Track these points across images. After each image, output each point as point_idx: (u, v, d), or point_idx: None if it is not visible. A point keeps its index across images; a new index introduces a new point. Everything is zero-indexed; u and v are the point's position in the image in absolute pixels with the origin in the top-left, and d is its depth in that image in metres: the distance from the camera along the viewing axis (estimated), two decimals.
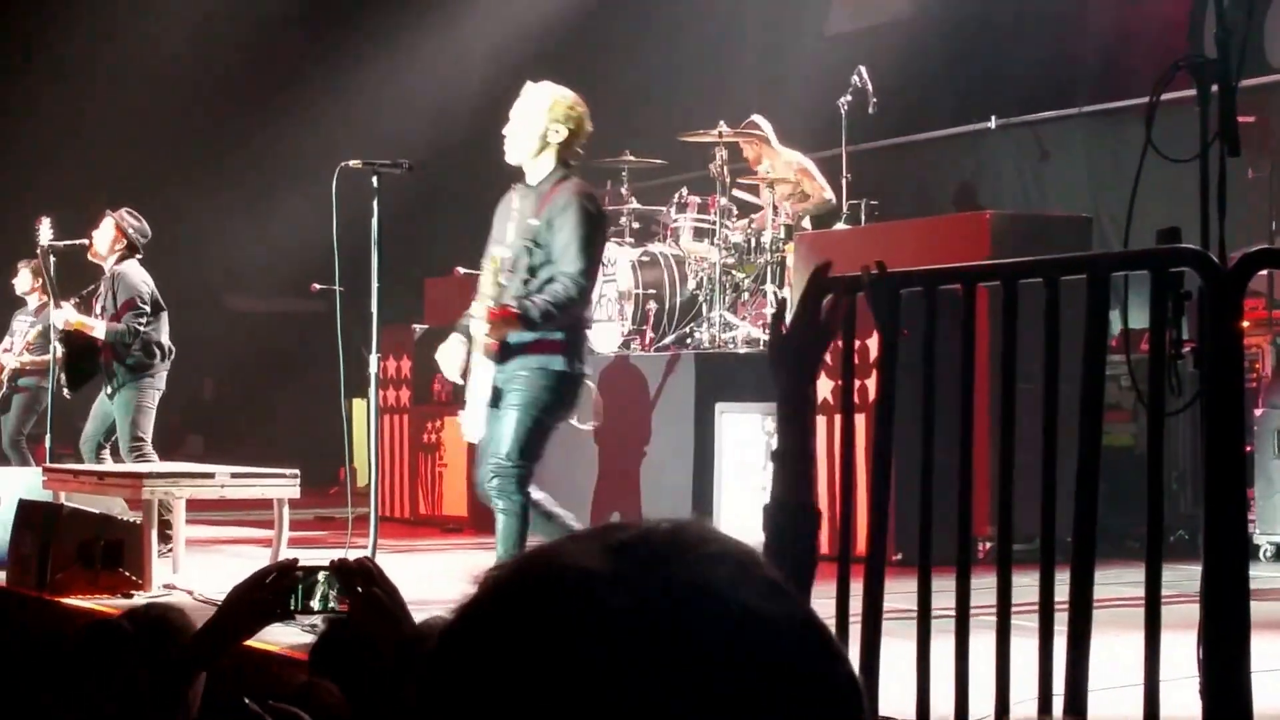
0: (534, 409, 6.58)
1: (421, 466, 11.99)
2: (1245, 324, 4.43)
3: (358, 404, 11.52)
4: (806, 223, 10.99)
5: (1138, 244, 4.28)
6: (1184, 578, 5.72)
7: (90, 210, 10.29)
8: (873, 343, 7.37)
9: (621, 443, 10.39)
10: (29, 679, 4.51)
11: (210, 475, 8.20)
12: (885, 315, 4.29)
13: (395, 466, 12.11)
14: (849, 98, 10.83)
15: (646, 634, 1.02)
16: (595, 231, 6.68)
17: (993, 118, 13.17)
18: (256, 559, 7.32)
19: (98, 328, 9.75)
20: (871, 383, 7.38)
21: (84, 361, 9.86)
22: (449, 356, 6.80)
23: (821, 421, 7.99)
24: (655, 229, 11.43)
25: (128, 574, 7.54)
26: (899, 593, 4.46)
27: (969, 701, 4.08)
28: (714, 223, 10.76)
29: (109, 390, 9.83)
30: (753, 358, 10.20)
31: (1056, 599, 3.93)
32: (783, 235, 10.66)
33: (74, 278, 10.47)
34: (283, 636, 5.50)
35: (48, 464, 9.66)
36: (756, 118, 11.18)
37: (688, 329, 10.79)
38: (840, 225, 10.58)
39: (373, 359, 7.30)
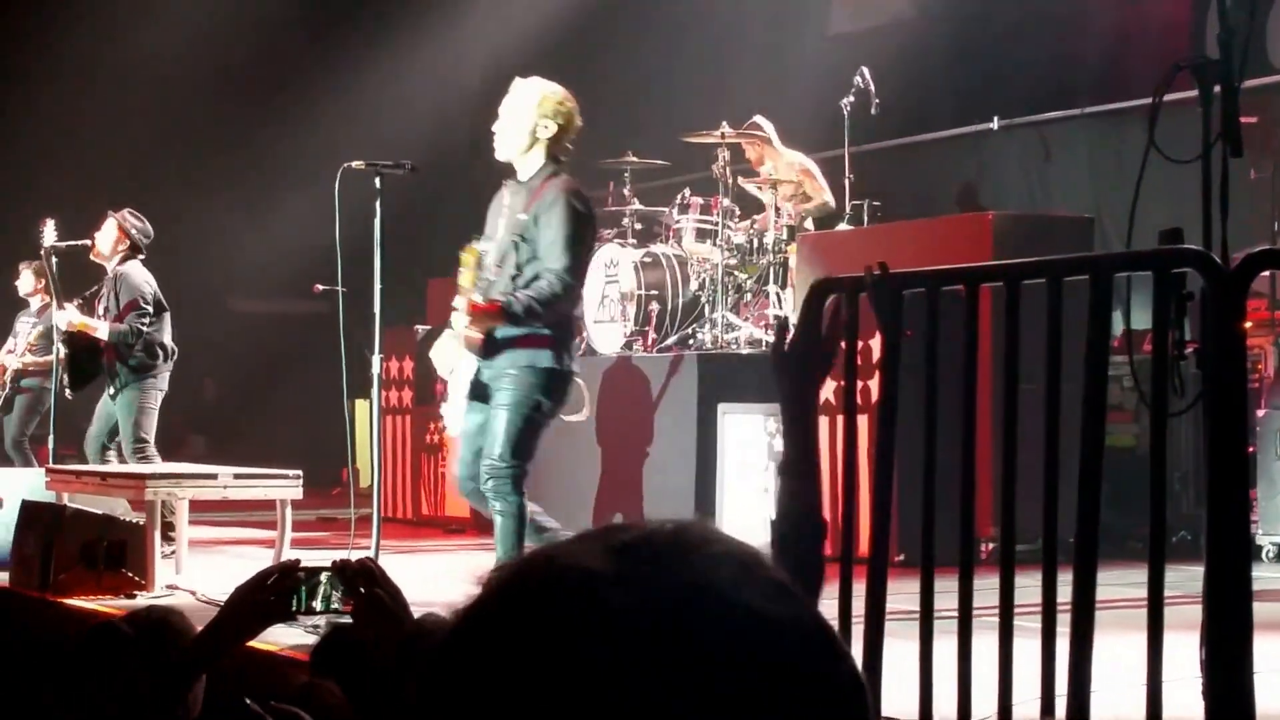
0: (524, 408, 6.60)
1: (424, 467, 12.00)
2: (1247, 325, 4.43)
3: (360, 405, 11.53)
4: (809, 224, 11.00)
5: (1140, 245, 4.28)
6: (1186, 578, 5.72)
7: (92, 211, 10.30)
8: (875, 343, 7.36)
9: (624, 443, 10.39)
10: (31, 679, 4.52)
11: (213, 476, 8.21)
12: (888, 316, 4.29)
13: (398, 467, 12.12)
14: (851, 98, 10.83)
15: (650, 634, 1.02)
16: (582, 229, 6.67)
17: (995, 118, 13.17)
18: (259, 560, 7.32)
19: (101, 329, 9.76)
20: (874, 384, 7.39)
21: (87, 362, 9.87)
22: (443, 354, 6.83)
23: (824, 422, 8.00)
24: (657, 230, 11.43)
25: (131, 575, 7.55)
26: (902, 593, 4.46)
27: (971, 702, 4.08)
28: (716, 224, 10.76)
29: (111, 391, 9.84)
30: (755, 358, 10.19)
31: (1059, 600, 3.93)
32: (785, 236, 10.66)
33: (77, 279, 10.48)
34: (285, 637, 5.50)
35: (51, 465, 9.67)
36: (759, 119, 11.18)
37: (690, 330, 10.79)
38: (843, 226, 10.58)
39: (375, 360, 7.30)
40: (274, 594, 3.16)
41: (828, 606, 3.94)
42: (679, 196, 11.15)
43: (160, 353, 9.85)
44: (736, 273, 10.76)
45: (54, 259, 10.28)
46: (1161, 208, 4.33)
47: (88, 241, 10.08)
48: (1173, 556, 4.11)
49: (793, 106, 12.26)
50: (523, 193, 6.75)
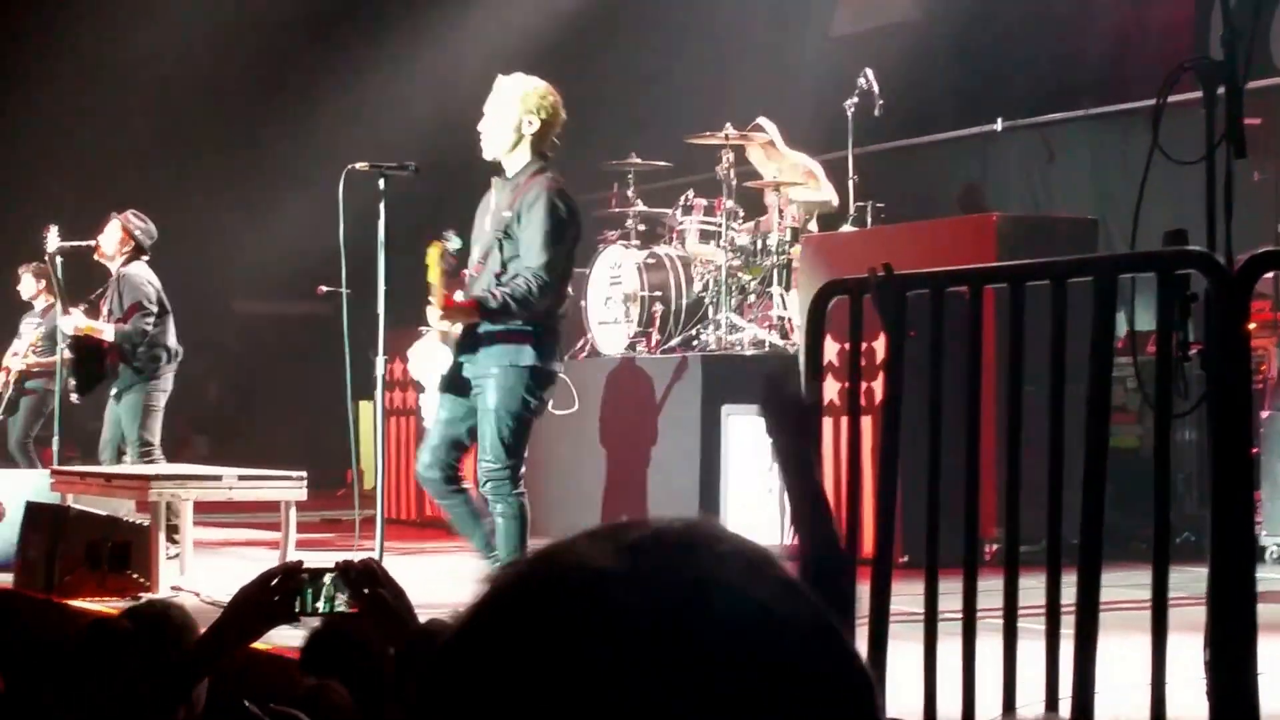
0: (512, 409, 6.62)
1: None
2: (1251, 326, 4.43)
3: (364, 406, 11.52)
4: (813, 225, 10.99)
5: (1144, 246, 4.27)
6: (1190, 579, 5.71)
7: (95, 214, 10.30)
8: (879, 345, 7.36)
9: (628, 445, 10.40)
10: (35, 680, 4.52)
11: (217, 477, 8.21)
12: (892, 317, 4.29)
13: (402, 469, 12.11)
14: (855, 100, 10.82)
15: (659, 632, 1.02)
16: (563, 227, 6.65)
17: (999, 120, 13.16)
18: (263, 561, 7.32)
19: (106, 331, 9.77)
20: (878, 385, 7.38)
21: (93, 366, 9.88)
22: (421, 358, 6.86)
23: (828, 423, 8.00)
24: (661, 231, 11.43)
25: (135, 576, 7.55)
26: (906, 595, 4.46)
27: (976, 703, 4.08)
28: (720, 225, 10.77)
29: (115, 392, 9.84)
30: (759, 359, 10.19)
31: (1063, 601, 3.93)
32: (789, 238, 10.66)
33: (81, 281, 10.49)
34: (291, 639, 5.50)
35: (55, 466, 9.68)
36: (761, 120, 11.18)
37: (694, 331, 10.79)
38: (846, 228, 10.58)
39: (379, 361, 7.30)
40: (277, 595, 3.16)
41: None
42: (683, 198, 11.16)
43: (164, 354, 9.85)
44: (740, 274, 10.76)
45: (58, 264, 10.29)
46: (1165, 209, 4.33)
47: (92, 243, 10.08)
48: (1176, 558, 4.11)
49: (796, 108, 12.26)
50: (508, 190, 6.77)
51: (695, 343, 10.67)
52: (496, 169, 6.89)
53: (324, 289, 9.40)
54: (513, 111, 6.73)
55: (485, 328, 6.63)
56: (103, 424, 10.10)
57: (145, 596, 7.35)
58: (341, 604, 3.14)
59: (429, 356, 6.81)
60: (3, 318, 12.90)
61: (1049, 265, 4.32)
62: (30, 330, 12.25)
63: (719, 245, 10.72)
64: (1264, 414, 8.33)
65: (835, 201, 10.94)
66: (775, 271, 10.64)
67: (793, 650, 1.05)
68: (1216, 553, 3.69)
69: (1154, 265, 3.95)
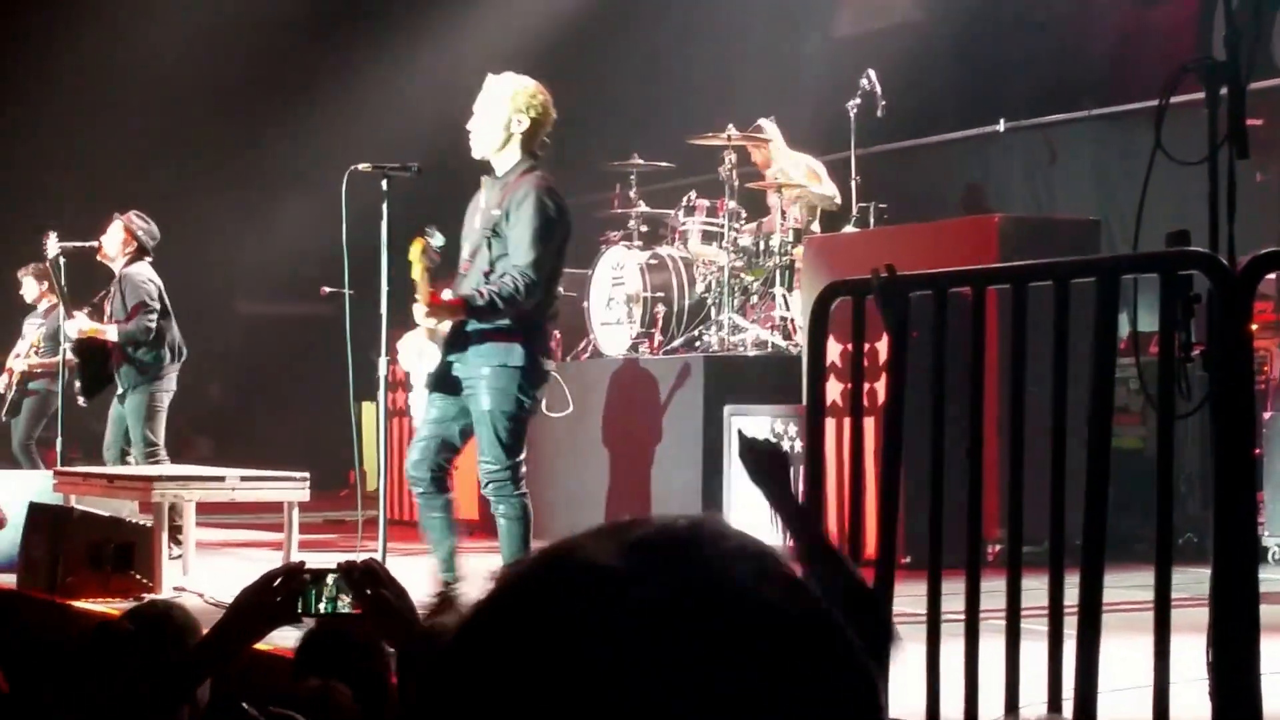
0: (506, 410, 6.62)
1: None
2: (1254, 327, 4.43)
3: (367, 407, 11.53)
4: (815, 226, 10.99)
5: (1147, 247, 4.27)
6: (1193, 580, 5.70)
7: (98, 215, 10.31)
8: (882, 346, 7.36)
9: (631, 445, 10.40)
10: (36, 680, 4.53)
11: (220, 478, 8.22)
12: (895, 318, 4.29)
13: (404, 469, 12.10)
14: (858, 101, 10.82)
15: (665, 630, 1.02)
16: (551, 225, 6.64)
17: (1001, 121, 13.16)
18: (266, 562, 7.32)
19: (109, 332, 9.77)
20: (881, 386, 7.38)
21: (99, 369, 9.88)
22: (411, 347, 6.85)
23: (831, 424, 8.00)
24: (663, 232, 11.43)
25: (138, 576, 7.55)
26: (909, 595, 4.46)
27: (979, 704, 4.08)
28: (722, 226, 10.77)
29: (120, 392, 9.85)
30: (762, 360, 10.20)
31: (1066, 602, 3.93)
32: (791, 239, 10.66)
33: (84, 283, 10.49)
34: (293, 640, 5.49)
35: (58, 467, 9.68)
36: (763, 122, 11.18)
37: (696, 332, 10.79)
38: (849, 228, 10.58)
39: (382, 362, 7.30)
40: (280, 596, 3.16)
41: None
42: (685, 199, 11.16)
43: (167, 354, 9.86)
44: (743, 275, 10.76)
45: (61, 270, 10.30)
46: (1168, 210, 4.33)
47: (94, 243, 10.09)
48: (1179, 558, 4.11)
49: (798, 109, 12.26)
50: (497, 188, 6.76)
51: (698, 343, 10.67)
52: (489, 168, 6.89)
53: (327, 290, 9.42)
54: (502, 110, 6.72)
55: (473, 327, 6.62)
56: (106, 425, 10.10)
57: (148, 597, 7.36)
58: (344, 605, 3.14)
59: (418, 351, 6.80)
60: (5, 319, 12.91)
61: (1051, 266, 4.32)
62: (33, 331, 12.25)
63: (721, 246, 10.73)
64: (1266, 415, 8.33)
65: (839, 199, 10.94)
66: (778, 272, 10.64)
67: (798, 648, 1.05)
68: (1219, 553, 3.69)
69: (1157, 266, 3.95)
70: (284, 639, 5.35)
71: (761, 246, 10.77)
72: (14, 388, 12.25)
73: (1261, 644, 3.66)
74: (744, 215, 11.00)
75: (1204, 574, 3.76)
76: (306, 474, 8.09)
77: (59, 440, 10.51)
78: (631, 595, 1.03)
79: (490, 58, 8.72)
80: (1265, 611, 3.71)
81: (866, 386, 4.71)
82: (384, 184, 7.18)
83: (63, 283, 10.35)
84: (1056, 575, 3.95)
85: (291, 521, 7.91)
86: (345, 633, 3.37)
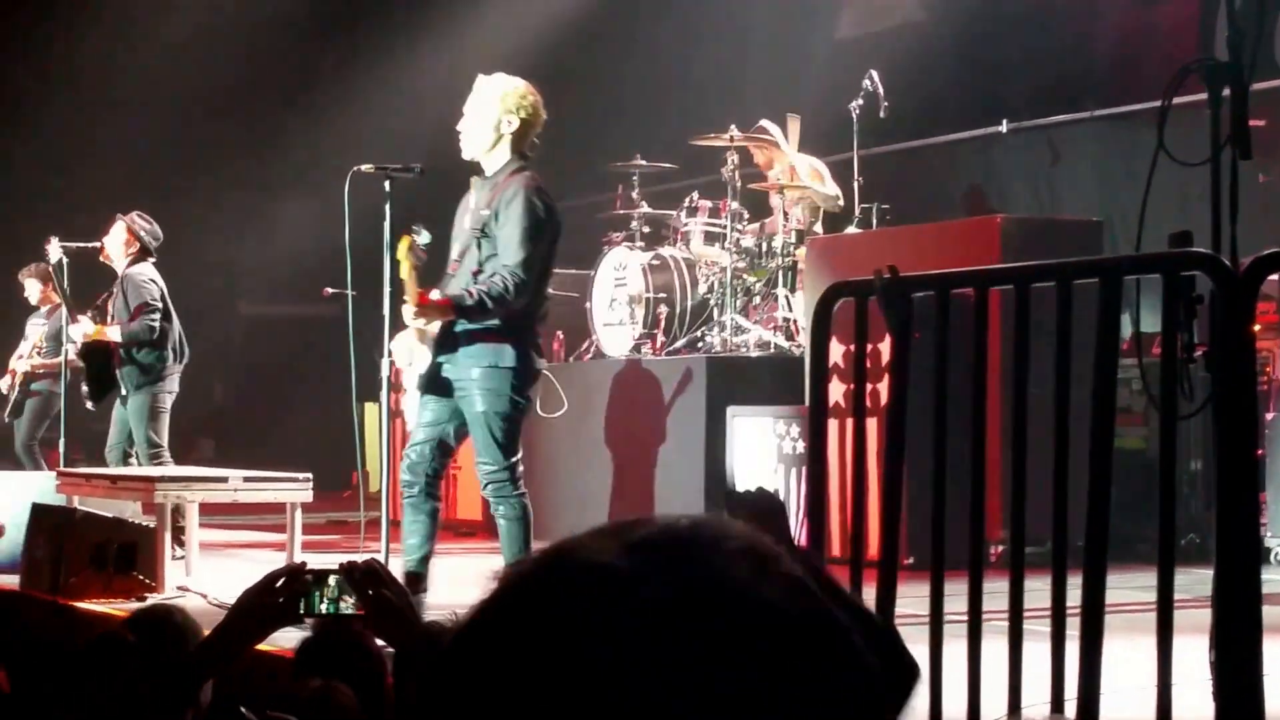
0: (500, 411, 6.62)
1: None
2: (1257, 328, 4.43)
3: (369, 408, 11.54)
4: (818, 227, 10.99)
5: (1149, 248, 4.28)
6: (1196, 581, 5.69)
7: (101, 217, 10.32)
8: (885, 347, 7.36)
9: (633, 446, 10.40)
10: (39, 681, 4.53)
11: (223, 479, 8.22)
12: (897, 319, 4.29)
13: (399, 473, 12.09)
14: (860, 101, 10.82)
15: (666, 629, 1.02)
16: (541, 225, 6.63)
17: (1004, 121, 13.16)
18: (269, 563, 7.32)
19: (112, 333, 9.77)
20: (883, 387, 7.38)
21: (105, 372, 9.88)
22: (405, 346, 6.84)
23: (834, 425, 8.00)
24: (666, 233, 11.44)
25: (141, 577, 7.56)
26: (911, 596, 4.46)
27: (981, 705, 4.08)
28: (725, 227, 10.77)
29: (123, 392, 9.85)
30: (764, 361, 10.20)
31: (1069, 603, 3.93)
32: (794, 240, 10.66)
33: (88, 285, 10.50)
34: (295, 641, 5.50)
35: (61, 468, 9.68)
36: (765, 123, 11.18)
37: (699, 333, 10.79)
38: (851, 229, 10.58)
39: (384, 363, 7.30)
40: (282, 597, 3.16)
41: None
42: (687, 199, 11.16)
43: (170, 354, 9.86)
44: (745, 276, 10.76)
45: (63, 273, 10.31)
46: (1170, 211, 4.34)
47: (97, 244, 10.10)
48: (1182, 559, 4.11)
49: (802, 109, 12.26)
50: (486, 188, 6.76)
51: (700, 344, 10.67)
52: (481, 169, 6.88)
53: (330, 291, 9.42)
54: (492, 111, 6.73)
55: (463, 327, 6.61)
56: (109, 426, 10.11)
57: (150, 598, 7.36)
58: (348, 606, 3.14)
59: (409, 352, 6.80)
60: (7, 320, 12.91)
61: (1054, 267, 4.32)
62: (35, 332, 12.26)
63: (724, 247, 10.73)
64: (1269, 415, 8.32)
65: (842, 200, 10.93)
66: (780, 273, 10.65)
67: (801, 647, 1.05)
68: (1222, 554, 3.69)
69: (1159, 267, 3.95)
70: (286, 640, 5.36)
71: (764, 247, 10.77)
72: (16, 389, 12.26)
73: (1264, 645, 3.66)
74: (746, 216, 11.00)
75: (1206, 575, 3.76)
76: (309, 475, 8.09)
77: (62, 441, 10.52)
78: (633, 595, 1.04)
79: (492, 58, 8.73)
80: (1268, 612, 3.70)
81: (869, 387, 4.71)
82: (386, 185, 7.17)
83: (65, 286, 10.36)
84: (1059, 576, 3.95)
85: (294, 522, 7.91)
86: (344, 634, 3.37)
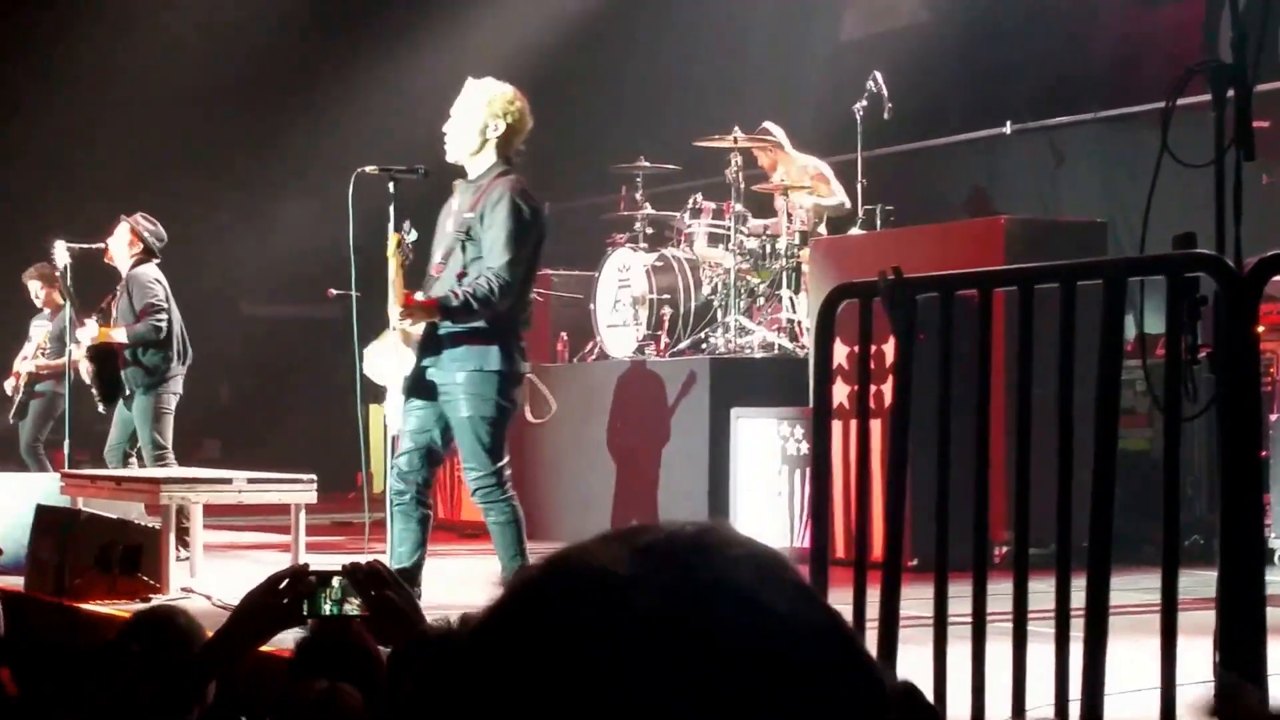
0: (485, 413, 6.61)
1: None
2: (1261, 329, 4.42)
3: (374, 409, 11.52)
4: (822, 228, 10.99)
5: (1153, 249, 4.28)
6: (1200, 583, 5.71)
7: (105, 219, 10.32)
8: (889, 348, 7.37)
9: (637, 448, 10.40)
10: (44, 682, 4.53)
11: (227, 480, 8.22)
12: (901, 320, 4.29)
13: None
14: (864, 103, 10.82)
15: (671, 636, 1.03)
16: (526, 227, 6.62)
17: (1007, 123, 13.16)
18: (274, 564, 7.33)
19: (119, 334, 9.78)
20: (887, 388, 7.38)
21: (114, 374, 9.88)
22: (379, 363, 6.80)
23: (838, 427, 8.00)
24: (669, 234, 11.44)
25: (146, 579, 7.56)
26: (915, 598, 4.46)
27: (985, 707, 4.08)
28: (728, 228, 10.77)
29: (127, 393, 9.85)
30: (768, 362, 10.20)
31: (1073, 604, 3.93)
32: (798, 241, 10.66)
33: (93, 286, 10.50)
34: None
35: (66, 469, 9.69)
36: (768, 125, 11.18)
37: (703, 334, 10.80)
38: (855, 230, 10.58)
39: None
40: (286, 598, 3.16)
41: (841, 611, 3.93)
42: (691, 201, 11.16)
43: (174, 356, 9.87)
44: (749, 277, 10.76)
45: (67, 275, 10.31)
46: (1174, 212, 4.33)
47: (101, 245, 10.10)
48: (1186, 561, 4.11)
49: (805, 111, 12.27)
50: (470, 192, 6.76)
51: (704, 346, 10.67)
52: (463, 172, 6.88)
53: (334, 292, 9.43)
54: (479, 115, 6.73)
55: (447, 330, 6.61)
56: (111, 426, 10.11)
57: (155, 599, 7.36)
58: (352, 607, 3.14)
59: (385, 355, 6.77)
60: (11, 322, 12.91)
61: (1058, 268, 4.31)
62: (39, 333, 12.26)
63: (727, 248, 10.73)
64: (1273, 417, 8.32)
65: (848, 204, 10.93)
66: (784, 274, 10.65)
67: (804, 654, 1.05)
68: (1226, 556, 3.69)
69: (1163, 268, 3.95)
70: (289, 641, 5.36)
71: (768, 249, 10.77)
72: (21, 390, 12.26)
73: (1269, 646, 3.66)
74: (750, 217, 11.00)
75: (1211, 576, 3.76)
76: (314, 476, 8.09)
77: (66, 442, 10.52)
78: (637, 601, 1.04)
79: (494, 60, 8.74)
80: (1272, 614, 3.71)
81: (873, 389, 4.72)
82: (391, 187, 7.18)
83: (71, 289, 10.36)
84: (1063, 577, 3.95)
85: (299, 524, 7.91)
86: (341, 634, 3.37)
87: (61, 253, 10.21)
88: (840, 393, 7.91)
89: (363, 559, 3.23)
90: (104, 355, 9.87)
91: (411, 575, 6.54)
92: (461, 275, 6.62)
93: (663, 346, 10.82)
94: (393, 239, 6.70)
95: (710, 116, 11.86)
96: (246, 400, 18.68)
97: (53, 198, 15.38)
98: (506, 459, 6.71)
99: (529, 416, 7.27)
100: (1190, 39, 11.97)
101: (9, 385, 12.35)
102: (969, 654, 4.10)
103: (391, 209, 7.16)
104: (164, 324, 9.75)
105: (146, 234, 10.00)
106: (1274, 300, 9.03)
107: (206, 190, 16.56)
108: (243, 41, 16.10)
